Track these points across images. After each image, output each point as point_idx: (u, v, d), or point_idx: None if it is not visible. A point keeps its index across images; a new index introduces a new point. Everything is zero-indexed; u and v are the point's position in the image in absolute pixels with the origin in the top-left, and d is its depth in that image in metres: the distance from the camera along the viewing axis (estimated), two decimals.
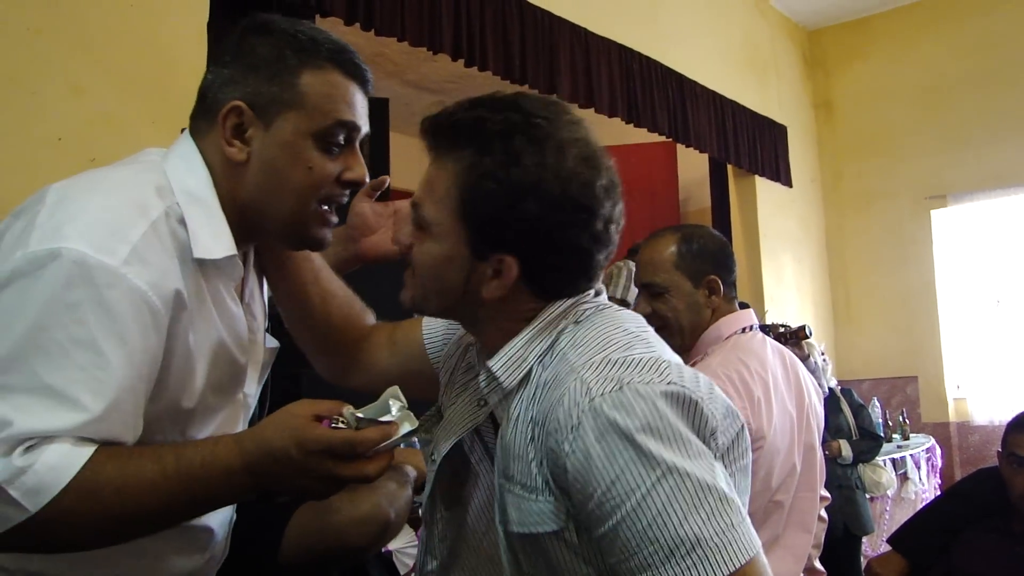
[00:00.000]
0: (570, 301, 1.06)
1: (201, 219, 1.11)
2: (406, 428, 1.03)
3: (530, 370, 1.03)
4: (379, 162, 4.19)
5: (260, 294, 1.32)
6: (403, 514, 1.68)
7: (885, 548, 2.46)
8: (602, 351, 0.99)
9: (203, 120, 1.16)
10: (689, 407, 0.94)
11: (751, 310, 2.09)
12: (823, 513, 2.23)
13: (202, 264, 1.11)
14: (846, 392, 4.26)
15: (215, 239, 1.11)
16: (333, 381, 1.39)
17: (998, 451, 2.29)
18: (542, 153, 0.99)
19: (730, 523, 0.89)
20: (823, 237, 7.33)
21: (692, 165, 6.68)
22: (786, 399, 1.97)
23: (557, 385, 0.97)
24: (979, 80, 6.68)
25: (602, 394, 0.92)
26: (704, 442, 0.93)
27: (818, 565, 2.19)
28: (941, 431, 6.49)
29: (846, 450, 3.94)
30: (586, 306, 1.06)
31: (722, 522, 0.89)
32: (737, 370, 1.86)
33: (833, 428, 4.00)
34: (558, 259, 1.02)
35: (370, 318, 1.43)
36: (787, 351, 2.09)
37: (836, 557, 2.54)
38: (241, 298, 1.22)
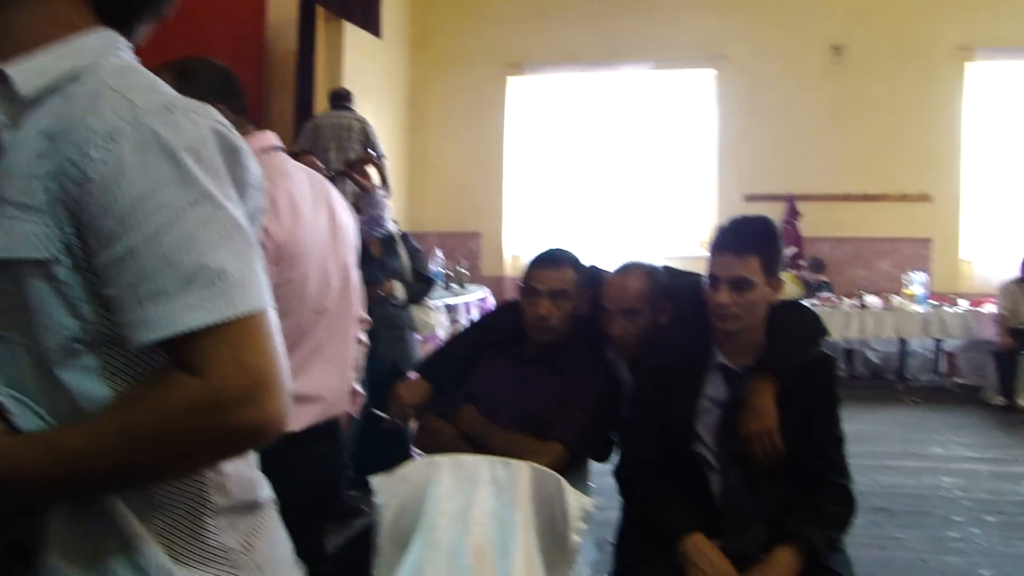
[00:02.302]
0: (111, 37, 0.94)
1: None
2: None
3: (54, 83, 0.89)
4: None
5: None
6: None
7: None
8: (151, 85, 0.91)
9: None
10: (234, 153, 0.91)
11: (271, 133, 2.05)
12: (363, 336, 2.28)
13: None
14: (404, 237, 4.37)
15: None
16: None
17: (518, 284, 2.45)
18: None
19: (254, 268, 0.87)
20: (408, 92, 7.43)
21: (283, 2, 6.33)
22: (315, 213, 2.01)
23: (91, 98, 0.87)
24: None
25: (148, 110, 0.85)
26: (238, 192, 0.91)
27: (358, 387, 2.26)
28: (497, 284, 7.09)
29: (400, 291, 4.06)
30: (126, 55, 0.95)
31: (248, 263, 0.86)
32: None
33: (389, 270, 4.10)
34: None
35: None
36: (313, 172, 2.13)
37: (382, 391, 2.61)
38: None
